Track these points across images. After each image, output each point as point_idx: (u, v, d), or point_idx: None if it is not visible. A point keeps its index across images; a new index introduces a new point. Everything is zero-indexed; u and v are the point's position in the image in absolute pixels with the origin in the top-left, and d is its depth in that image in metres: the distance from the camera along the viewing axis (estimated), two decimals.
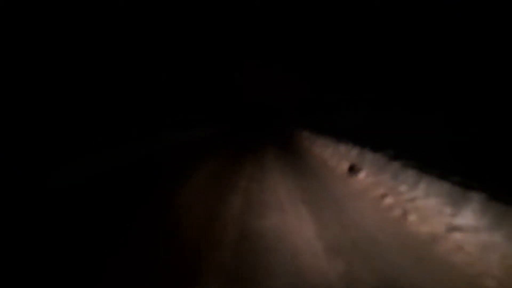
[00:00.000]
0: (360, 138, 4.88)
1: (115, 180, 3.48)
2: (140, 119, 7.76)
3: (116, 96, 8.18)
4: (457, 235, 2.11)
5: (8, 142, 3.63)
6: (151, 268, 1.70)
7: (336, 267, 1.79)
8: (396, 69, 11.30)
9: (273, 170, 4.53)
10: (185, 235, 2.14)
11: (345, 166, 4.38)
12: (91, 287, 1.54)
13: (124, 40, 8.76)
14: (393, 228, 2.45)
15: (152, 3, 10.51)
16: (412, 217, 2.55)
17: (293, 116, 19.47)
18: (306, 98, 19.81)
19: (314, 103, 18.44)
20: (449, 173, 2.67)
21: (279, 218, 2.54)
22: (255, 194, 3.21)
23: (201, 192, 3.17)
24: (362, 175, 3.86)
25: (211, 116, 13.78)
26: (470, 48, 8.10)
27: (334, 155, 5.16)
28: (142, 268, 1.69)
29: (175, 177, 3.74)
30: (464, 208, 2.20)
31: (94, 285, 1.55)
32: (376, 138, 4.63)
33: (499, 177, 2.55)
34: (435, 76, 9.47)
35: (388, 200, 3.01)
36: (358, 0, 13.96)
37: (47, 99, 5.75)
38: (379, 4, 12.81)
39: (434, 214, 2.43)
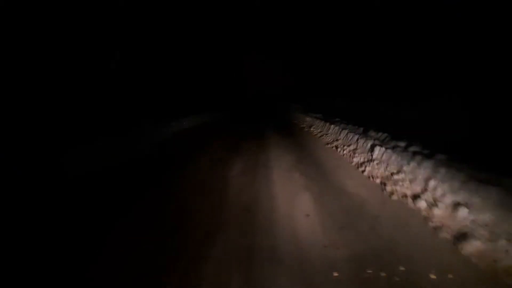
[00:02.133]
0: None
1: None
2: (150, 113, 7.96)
3: (123, 91, 7.90)
4: None
5: (7, 141, 3.51)
6: None
7: None
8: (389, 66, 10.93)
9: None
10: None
11: None
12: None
13: (128, 38, 8.52)
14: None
15: (156, 5, 10.40)
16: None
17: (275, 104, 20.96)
18: (291, 86, 20.84)
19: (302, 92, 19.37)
20: None
21: None
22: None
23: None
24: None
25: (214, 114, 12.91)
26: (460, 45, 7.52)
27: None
28: None
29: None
30: None
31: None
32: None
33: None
34: (418, 69, 8.98)
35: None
36: None
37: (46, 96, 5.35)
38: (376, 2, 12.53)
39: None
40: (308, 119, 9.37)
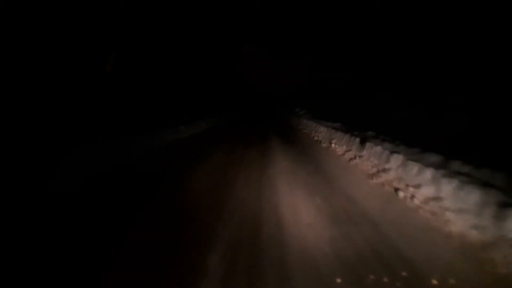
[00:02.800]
0: None
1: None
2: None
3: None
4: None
5: (7, 141, 3.45)
6: None
7: None
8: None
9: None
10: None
11: None
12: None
13: (126, 38, 8.01)
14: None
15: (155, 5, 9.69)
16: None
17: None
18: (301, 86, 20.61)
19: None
20: None
21: None
22: None
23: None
24: None
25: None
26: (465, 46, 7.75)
27: None
28: None
29: None
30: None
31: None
32: None
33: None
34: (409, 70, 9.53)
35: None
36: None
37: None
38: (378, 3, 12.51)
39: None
40: (322, 129, 7.41)
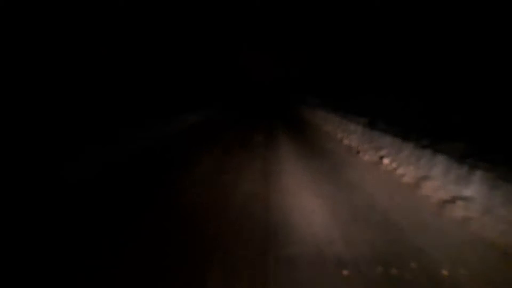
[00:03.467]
0: None
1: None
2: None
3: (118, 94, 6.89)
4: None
5: (10, 139, 3.50)
6: None
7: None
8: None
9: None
10: None
11: None
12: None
13: (121, 38, 7.77)
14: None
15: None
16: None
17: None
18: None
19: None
20: None
21: None
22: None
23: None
24: None
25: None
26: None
27: None
28: None
29: None
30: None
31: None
32: None
33: None
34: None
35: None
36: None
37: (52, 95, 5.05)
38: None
39: None
40: (353, 127, 5.34)
